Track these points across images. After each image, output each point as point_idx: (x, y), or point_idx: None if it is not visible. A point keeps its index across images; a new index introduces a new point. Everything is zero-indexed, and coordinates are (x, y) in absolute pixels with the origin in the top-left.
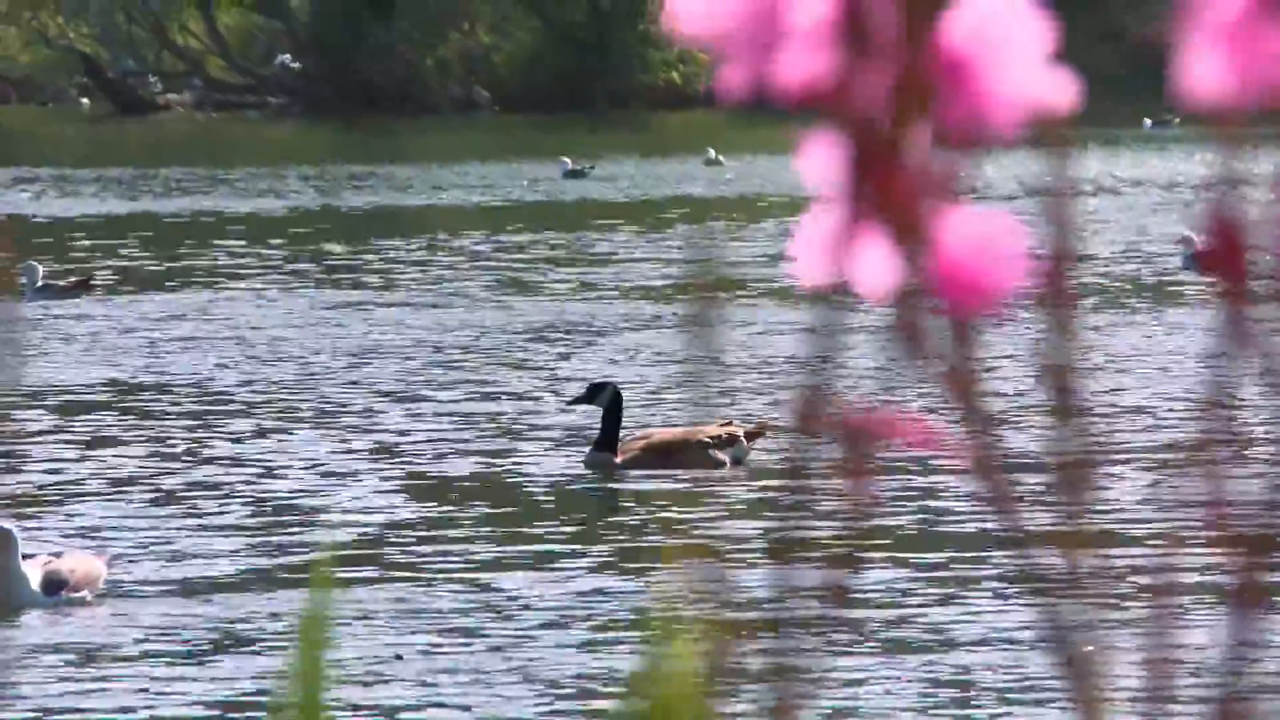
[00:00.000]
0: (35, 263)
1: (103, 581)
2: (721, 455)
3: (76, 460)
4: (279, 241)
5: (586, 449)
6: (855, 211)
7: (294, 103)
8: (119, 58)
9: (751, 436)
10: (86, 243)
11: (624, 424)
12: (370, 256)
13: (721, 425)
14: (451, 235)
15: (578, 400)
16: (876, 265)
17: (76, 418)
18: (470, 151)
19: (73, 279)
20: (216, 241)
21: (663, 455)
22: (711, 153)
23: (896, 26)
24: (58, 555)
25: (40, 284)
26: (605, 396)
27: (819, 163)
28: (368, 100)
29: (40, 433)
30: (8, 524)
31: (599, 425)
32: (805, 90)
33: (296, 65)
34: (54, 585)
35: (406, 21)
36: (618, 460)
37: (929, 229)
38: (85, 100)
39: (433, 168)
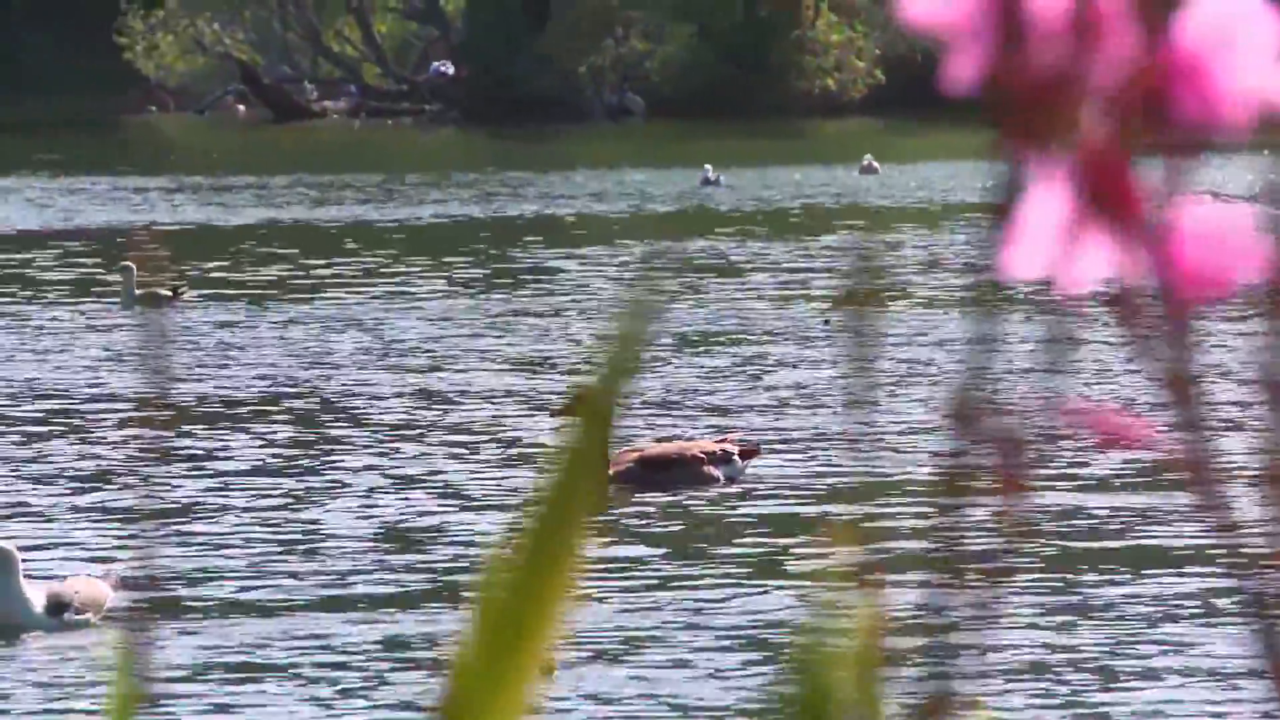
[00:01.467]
0: (131, 265)
1: (108, 605)
2: (715, 472)
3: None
4: (433, 249)
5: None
6: (1081, 208)
7: (448, 110)
8: (275, 65)
9: (746, 455)
10: (237, 250)
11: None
12: (521, 264)
13: (717, 441)
14: (600, 243)
15: (564, 412)
16: (1096, 261)
17: (231, 425)
18: (620, 158)
19: (172, 285)
20: (369, 249)
21: (655, 469)
22: (866, 160)
23: (1129, 24)
24: (63, 579)
25: (140, 291)
26: None
27: (1036, 157)
28: (521, 107)
29: (205, 437)
30: (8, 545)
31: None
32: (1034, 84)
33: (451, 72)
34: (58, 607)
35: (560, 29)
36: (608, 473)
37: (1158, 224)
38: (241, 107)
39: (578, 175)
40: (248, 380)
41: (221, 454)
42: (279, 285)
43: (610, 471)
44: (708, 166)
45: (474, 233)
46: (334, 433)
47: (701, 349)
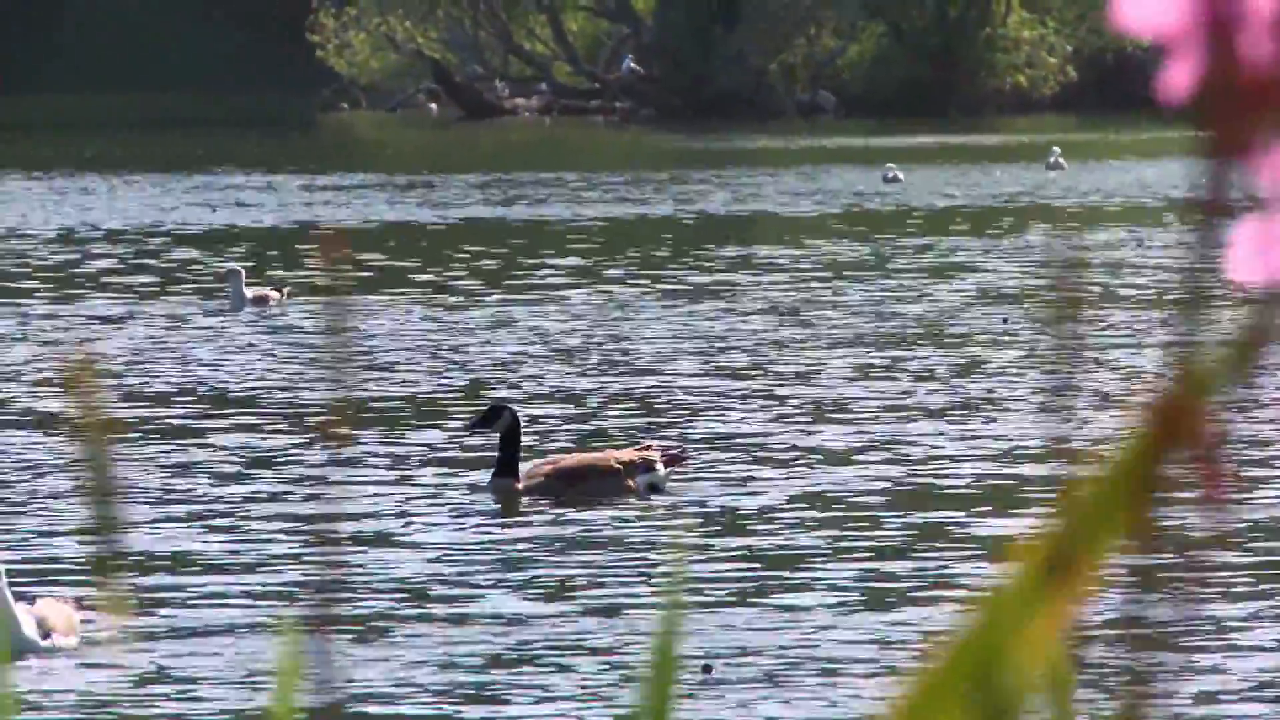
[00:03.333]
0: (239, 268)
1: (80, 628)
2: (633, 482)
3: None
4: (623, 247)
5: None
6: None
7: (639, 107)
8: (466, 63)
9: (671, 462)
10: (426, 248)
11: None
12: (708, 262)
13: (638, 450)
14: (782, 242)
15: (475, 425)
16: None
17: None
18: (808, 156)
19: (278, 285)
20: (559, 247)
21: (570, 481)
22: (1053, 158)
23: None
24: (31, 602)
25: (251, 293)
26: (503, 422)
27: (1253, 159)
28: (713, 105)
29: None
30: None
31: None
32: (1251, 86)
33: (642, 70)
34: (41, 631)
35: (752, 26)
36: (519, 486)
37: None
38: (433, 105)
39: (766, 173)
40: (446, 376)
41: (401, 454)
42: (473, 282)
43: (519, 485)
44: (890, 165)
45: (663, 230)
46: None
47: (875, 349)
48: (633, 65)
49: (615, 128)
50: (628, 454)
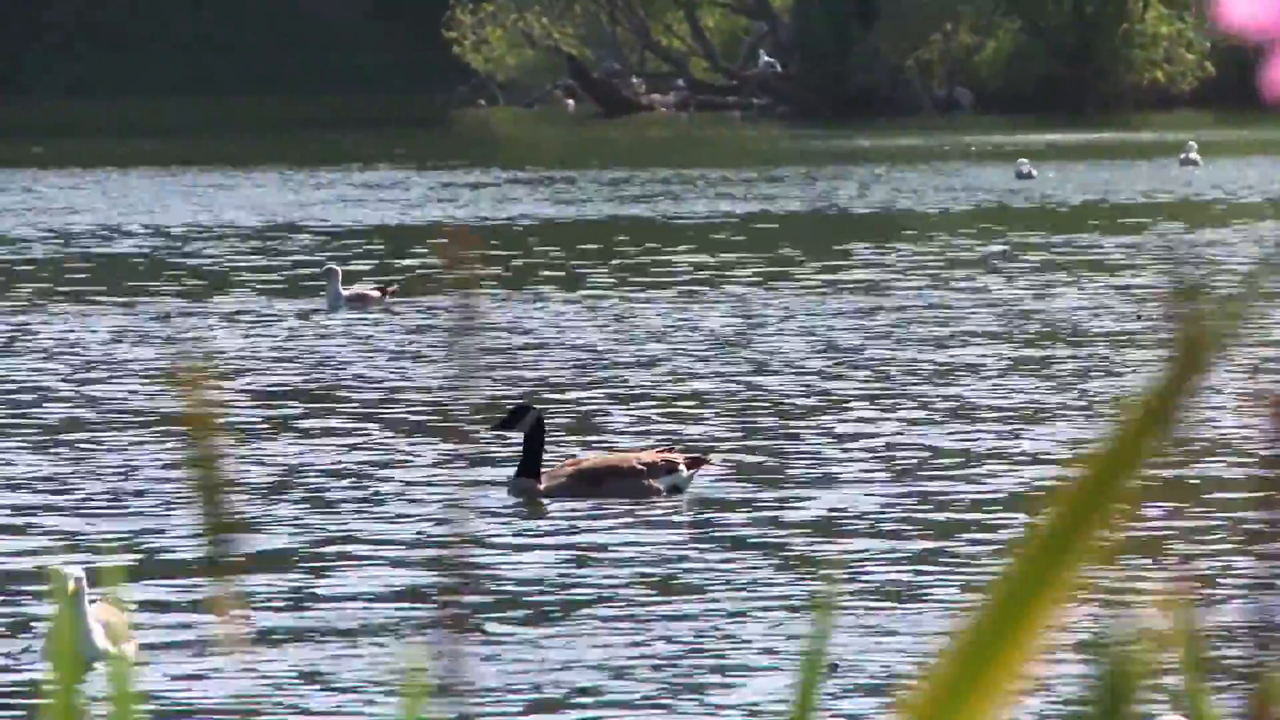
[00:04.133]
0: (336, 268)
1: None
2: (656, 483)
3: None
4: (758, 244)
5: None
6: None
7: (776, 104)
8: (603, 59)
9: (694, 464)
10: (561, 244)
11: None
12: (841, 259)
13: (659, 452)
14: (916, 239)
15: (501, 425)
16: None
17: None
18: (943, 152)
19: (379, 286)
20: (697, 242)
21: (592, 482)
22: (1186, 154)
23: None
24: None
25: (348, 292)
26: (526, 422)
27: None
28: (850, 101)
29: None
30: (78, 569)
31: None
32: None
33: (778, 66)
34: (110, 638)
35: (889, 23)
36: (541, 487)
37: None
38: (570, 101)
39: (901, 169)
40: (579, 371)
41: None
42: (608, 278)
43: (541, 486)
44: (1023, 160)
45: (798, 227)
46: (677, 425)
47: (1005, 348)
48: (769, 61)
49: (751, 124)
50: (650, 455)
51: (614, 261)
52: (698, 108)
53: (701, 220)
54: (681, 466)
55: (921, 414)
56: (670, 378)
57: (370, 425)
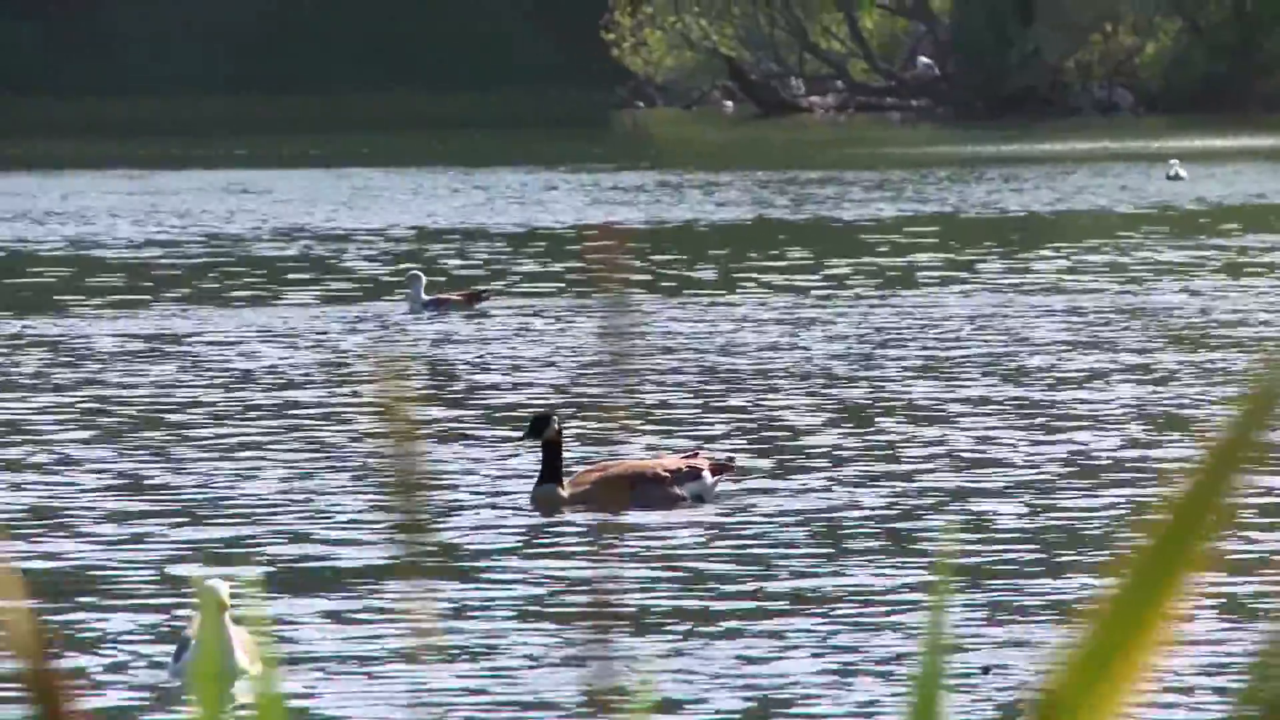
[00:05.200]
0: (419, 273)
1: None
2: (681, 491)
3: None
4: (916, 244)
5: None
6: None
7: (935, 105)
8: (762, 60)
9: (718, 471)
10: (717, 245)
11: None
12: (996, 261)
13: (684, 458)
14: (1068, 241)
15: (528, 435)
16: None
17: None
18: (1101, 154)
19: (465, 292)
20: (851, 245)
21: (616, 489)
22: None
23: None
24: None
25: (428, 297)
26: (548, 430)
27: None
28: (1009, 102)
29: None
30: (218, 583)
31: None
32: None
33: (937, 68)
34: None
35: (1049, 24)
36: (564, 494)
37: None
38: (728, 103)
39: (1059, 170)
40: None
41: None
42: (767, 279)
43: (565, 493)
44: (1173, 162)
45: (959, 228)
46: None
47: (1145, 354)
48: (928, 63)
49: (910, 126)
50: (674, 462)
51: (768, 262)
52: (856, 109)
53: (859, 221)
54: (706, 473)
55: (1053, 420)
56: (826, 378)
57: (477, 428)
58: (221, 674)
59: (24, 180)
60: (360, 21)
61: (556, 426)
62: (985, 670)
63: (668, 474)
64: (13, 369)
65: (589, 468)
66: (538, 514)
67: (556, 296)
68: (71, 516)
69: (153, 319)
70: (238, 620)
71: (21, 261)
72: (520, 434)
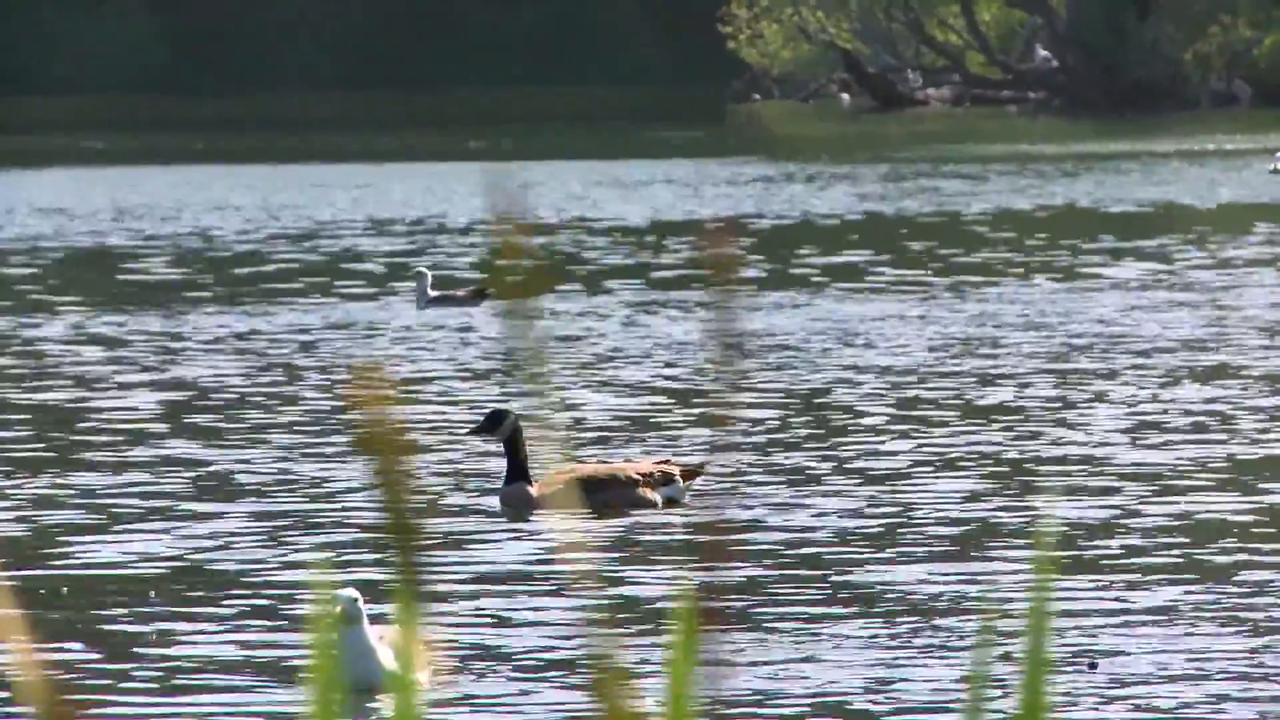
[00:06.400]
0: (425, 270)
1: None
2: (652, 494)
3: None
4: (1020, 239)
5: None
6: None
7: (1052, 97)
8: (878, 53)
9: (688, 476)
10: (834, 238)
11: None
12: (1101, 255)
13: (656, 463)
14: (1176, 235)
15: (477, 430)
16: None
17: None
18: (1215, 147)
19: (471, 289)
20: (968, 239)
21: (588, 491)
22: None
23: None
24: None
25: (434, 294)
26: (505, 427)
27: None
28: (1126, 95)
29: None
30: (352, 591)
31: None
32: None
33: (1054, 60)
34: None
35: (1167, 16)
36: (534, 493)
37: None
38: (845, 96)
39: (1172, 163)
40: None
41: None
42: (882, 273)
43: (534, 493)
44: (1279, 155)
45: (1074, 222)
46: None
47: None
48: (1045, 55)
49: (1028, 118)
50: (646, 465)
51: (884, 255)
52: (973, 102)
53: (977, 214)
54: (678, 477)
55: (1140, 423)
56: (935, 375)
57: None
58: (335, 683)
59: (140, 174)
60: (477, 18)
61: (513, 422)
62: (1091, 665)
63: (640, 476)
64: (125, 363)
65: (560, 469)
66: (508, 513)
67: (661, 290)
68: (181, 514)
69: (282, 312)
70: (383, 627)
71: (137, 256)
72: (470, 429)
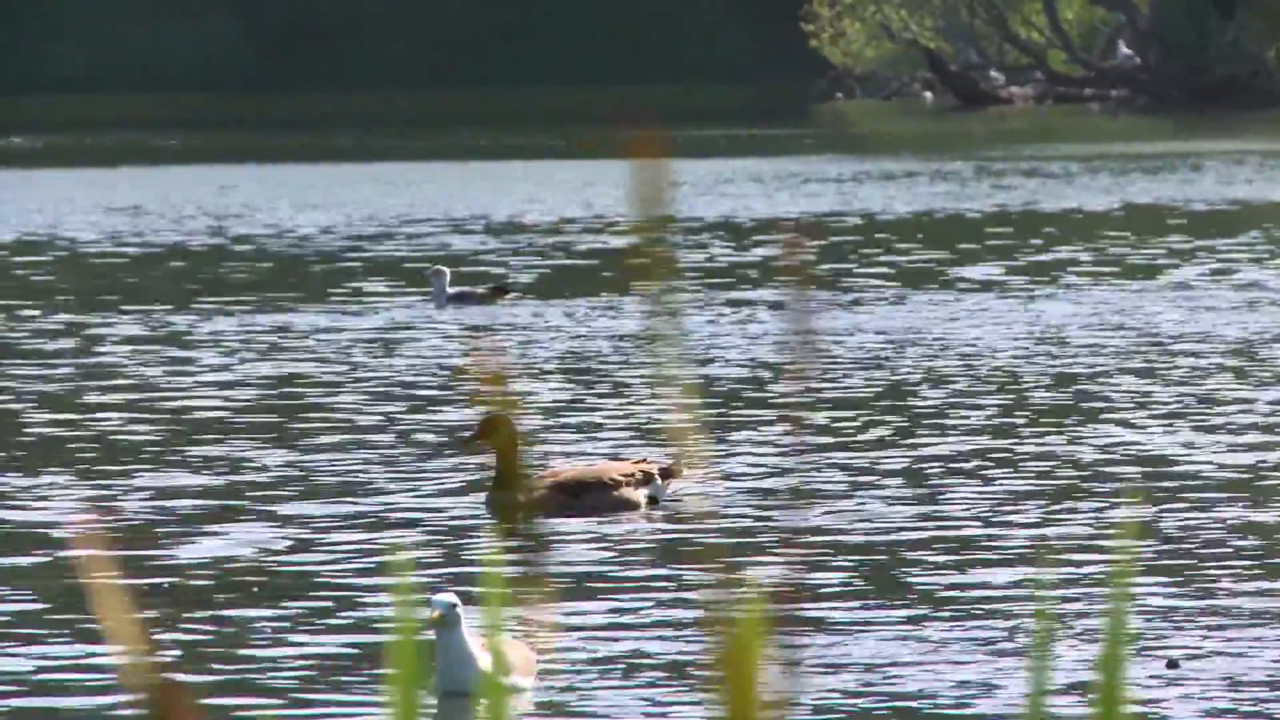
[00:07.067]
0: (444, 268)
1: (536, 668)
2: (636, 495)
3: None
4: (1102, 237)
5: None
6: None
7: (1135, 95)
8: (961, 51)
9: (667, 475)
10: (917, 237)
11: None
12: (1183, 254)
13: (635, 463)
14: (1266, 233)
15: (472, 438)
16: None
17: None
18: None
19: (489, 286)
20: (1064, 235)
21: (572, 494)
22: None
23: None
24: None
25: (453, 291)
26: (501, 434)
27: None
28: (1209, 93)
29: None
30: (451, 596)
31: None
32: None
33: (1137, 58)
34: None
35: (1250, 14)
36: (521, 499)
37: None
38: (928, 94)
39: (1252, 162)
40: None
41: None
42: (965, 272)
43: (523, 498)
44: None
45: (1155, 220)
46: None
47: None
48: (1128, 53)
49: (1110, 116)
50: (627, 466)
51: (967, 254)
52: (1056, 100)
53: (1055, 212)
54: (657, 477)
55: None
56: (1026, 372)
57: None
58: (415, 687)
59: (221, 172)
60: (560, 16)
61: (508, 430)
62: (1172, 664)
63: (622, 478)
64: (209, 360)
65: (542, 473)
66: (493, 518)
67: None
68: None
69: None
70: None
71: (222, 254)
72: (464, 438)
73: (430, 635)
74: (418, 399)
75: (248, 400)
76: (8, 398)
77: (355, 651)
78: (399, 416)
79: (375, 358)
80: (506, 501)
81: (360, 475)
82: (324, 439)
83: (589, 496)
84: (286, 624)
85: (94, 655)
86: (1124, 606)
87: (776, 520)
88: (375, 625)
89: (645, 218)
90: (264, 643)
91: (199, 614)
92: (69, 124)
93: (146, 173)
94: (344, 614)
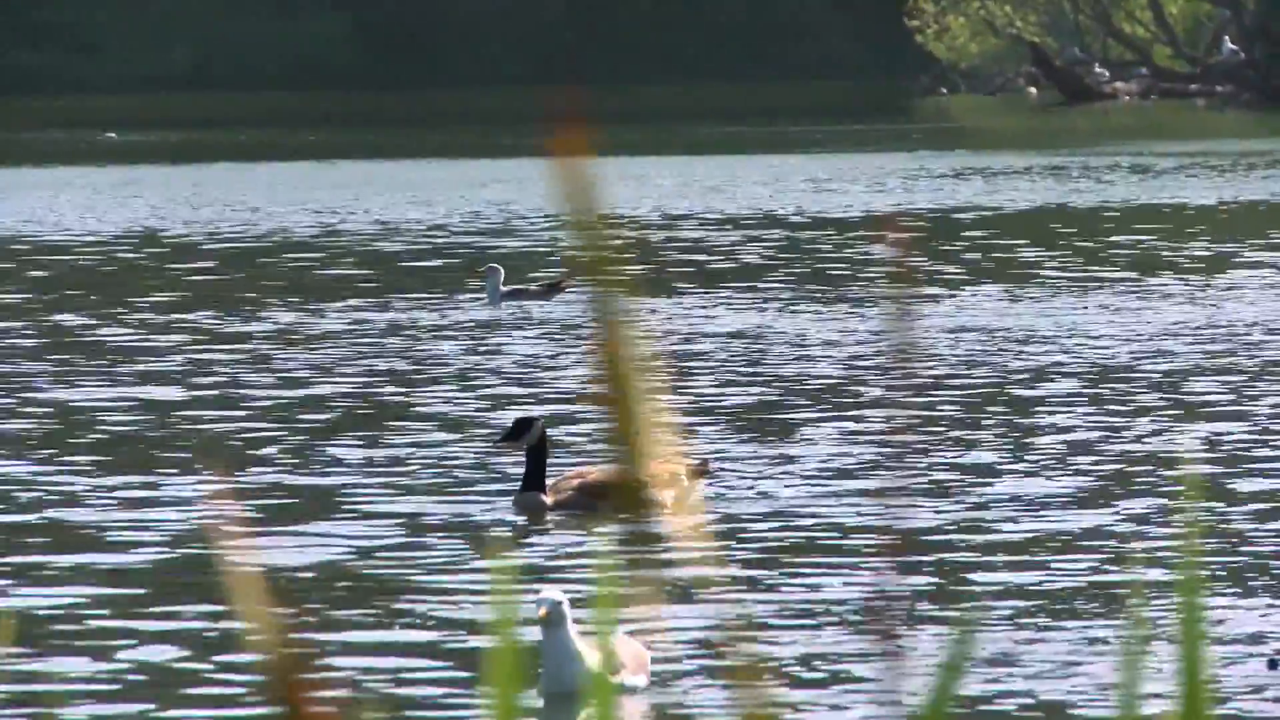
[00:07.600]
0: (497, 265)
1: (650, 666)
2: (662, 495)
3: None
4: (1205, 234)
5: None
6: None
7: (1240, 91)
8: (1065, 46)
9: (694, 475)
10: (1018, 232)
11: None
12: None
13: (661, 464)
14: None
15: (505, 438)
16: None
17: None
18: None
19: (544, 283)
20: (1176, 230)
21: (597, 496)
22: None
23: None
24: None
25: (506, 289)
26: (532, 435)
27: None
28: None
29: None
30: (557, 594)
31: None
32: None
33: (1242, 53)
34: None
35: None
36: (548, 501)
37: None
38: (1032, 89)
39: None
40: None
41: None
42: (1061, 269)
43: (548, 500)
44: None
45: (1267, 217)
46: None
47: None
48: (1233, 49)
49: (1216, 112)
50: (654, 467)
51: (1062, 251)
52: (1160, 95)
53: (1159, 208)
54: (683, 477)
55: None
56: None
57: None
58: (560, 688)
59: (309, 169)
60: (667, 14)
61: (539, 430)
62: (1273, 665)
63: (649, 479)
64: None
65: (569, 474)
66: (521, 518)
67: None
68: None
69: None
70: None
71: (303, 247)
72: (495, 438)
73: (536, 634)
74: (498, 396)
75: (339, 395)
76: (109, 396)
77: (458, 650)
78: (485, 414)
79: (456, 354)
80: (535, 501)
81: (451, 472)
82: (410, 436)
83: (614, 497)
84: (387, 623)
85: (167, 658)
86: (1197, 601)
87: (877, 519)
88: (476, 625)
89: (576, 215)
90: (363, 643)
91: (299, 612)
92: (175, 122)
93: (259, 169)
94: (442, 613)
